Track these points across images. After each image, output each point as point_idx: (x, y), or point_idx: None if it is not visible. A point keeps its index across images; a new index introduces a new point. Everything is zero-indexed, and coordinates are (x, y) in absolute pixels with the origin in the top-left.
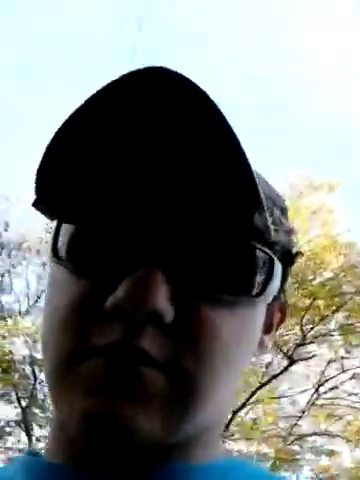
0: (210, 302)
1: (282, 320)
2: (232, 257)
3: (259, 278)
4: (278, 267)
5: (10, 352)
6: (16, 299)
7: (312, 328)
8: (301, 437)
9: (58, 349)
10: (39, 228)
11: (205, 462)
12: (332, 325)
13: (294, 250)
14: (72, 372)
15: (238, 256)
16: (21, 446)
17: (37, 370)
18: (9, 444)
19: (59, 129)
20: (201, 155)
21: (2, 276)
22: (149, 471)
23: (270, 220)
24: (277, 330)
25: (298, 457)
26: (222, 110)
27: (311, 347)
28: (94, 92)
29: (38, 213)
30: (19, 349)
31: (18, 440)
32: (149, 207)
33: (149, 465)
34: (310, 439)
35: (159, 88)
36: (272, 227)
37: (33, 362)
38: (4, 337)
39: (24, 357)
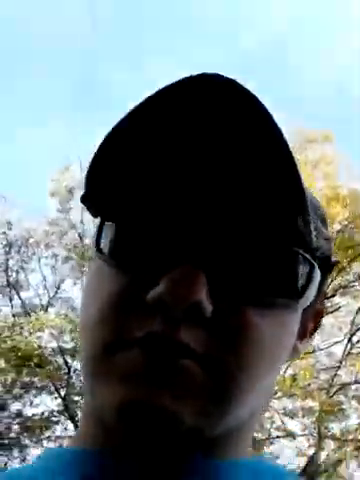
0: (248, 302)
1: (315, 328)
2: (272, 260)
3: (299, 282)
4: (317, 273)
5: (39, 347)
6: (35, 294)
7: (331, 281)
8: (343, 386)
9: (95, 339)
10: (42, 222)
11: (237, 458)
12: (350, 276)
13: (332, 259)
14: (108, 361)
15: (278, 259)
16: (70, 433)
17: (69, 359)
18: (58, 433)
19: (110, 131)
20: (249, 159)
21: (17, 273)
22: (184, 462)
23: (313, 226)
24: (310, 337)
25: (343, 407)
26: (273, 116)
27: (335, 300)
28: (147, 96)
29: (37, 209)
30: (47, 342)
31: (65, 428)
32: (194, 207)
33: (185, 456)
34: (353, 387)
35: (210, 93)
36: (314, 233)
37: (63, 353)
38: (31, 332)
39: (53, 349)
